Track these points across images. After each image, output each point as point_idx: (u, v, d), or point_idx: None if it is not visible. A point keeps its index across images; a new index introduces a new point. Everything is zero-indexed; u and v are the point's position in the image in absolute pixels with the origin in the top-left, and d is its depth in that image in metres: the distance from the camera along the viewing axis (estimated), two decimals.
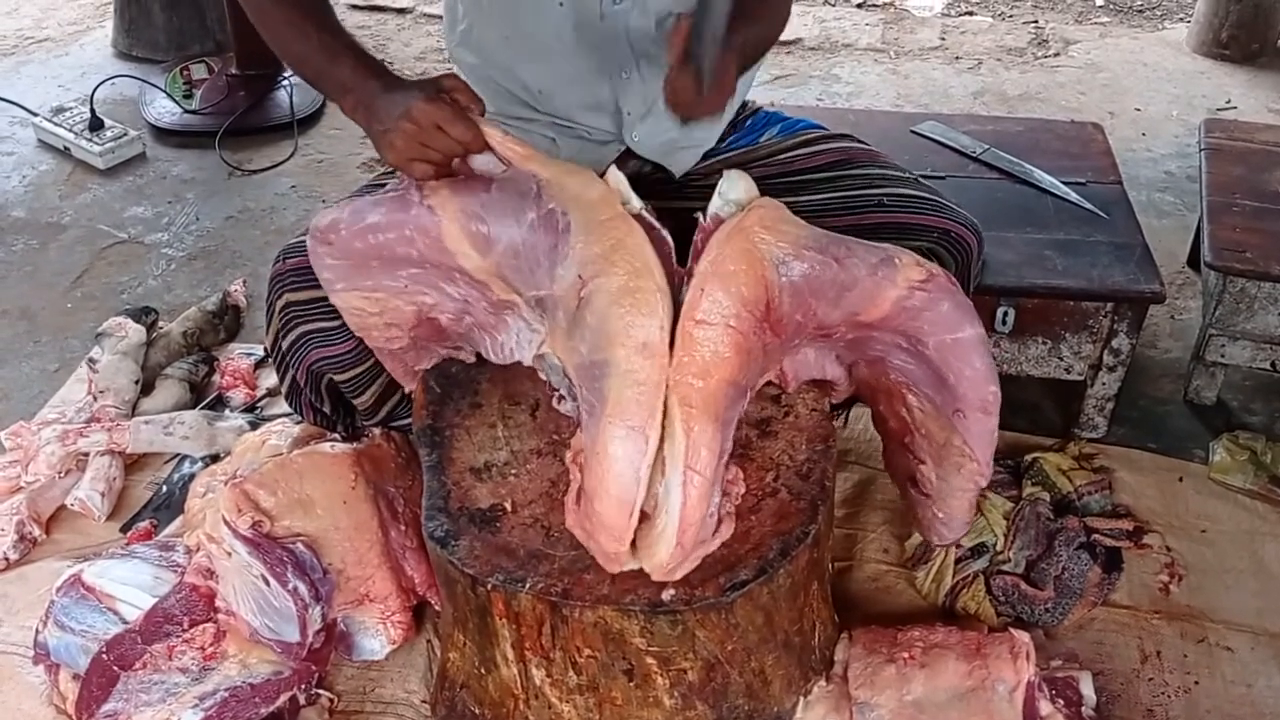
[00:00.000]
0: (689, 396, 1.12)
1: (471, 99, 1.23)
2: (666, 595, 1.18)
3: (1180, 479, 1.79)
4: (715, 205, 1.20)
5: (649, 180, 1.54)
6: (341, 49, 1.28)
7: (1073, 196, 1.92)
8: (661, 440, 1.12)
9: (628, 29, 1.39)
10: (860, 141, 1.60)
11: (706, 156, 1.56)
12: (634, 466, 1.11)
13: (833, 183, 1.52)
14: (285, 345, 1.44)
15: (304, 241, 1.39)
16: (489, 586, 1.21)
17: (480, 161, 1.24)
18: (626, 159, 1.52)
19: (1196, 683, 1.48)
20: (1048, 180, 1.96)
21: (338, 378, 1.47)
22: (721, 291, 1.14)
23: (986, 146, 2.05)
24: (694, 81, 1.22)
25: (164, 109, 2.85)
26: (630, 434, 1.10)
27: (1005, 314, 1.76)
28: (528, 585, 1.19)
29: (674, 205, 1.52)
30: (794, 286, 1.17)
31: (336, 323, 1.38)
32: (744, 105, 1.62)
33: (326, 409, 1.56)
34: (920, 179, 1.54)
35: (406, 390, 1.45)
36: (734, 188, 1.20)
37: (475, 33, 1.47)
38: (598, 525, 1.15)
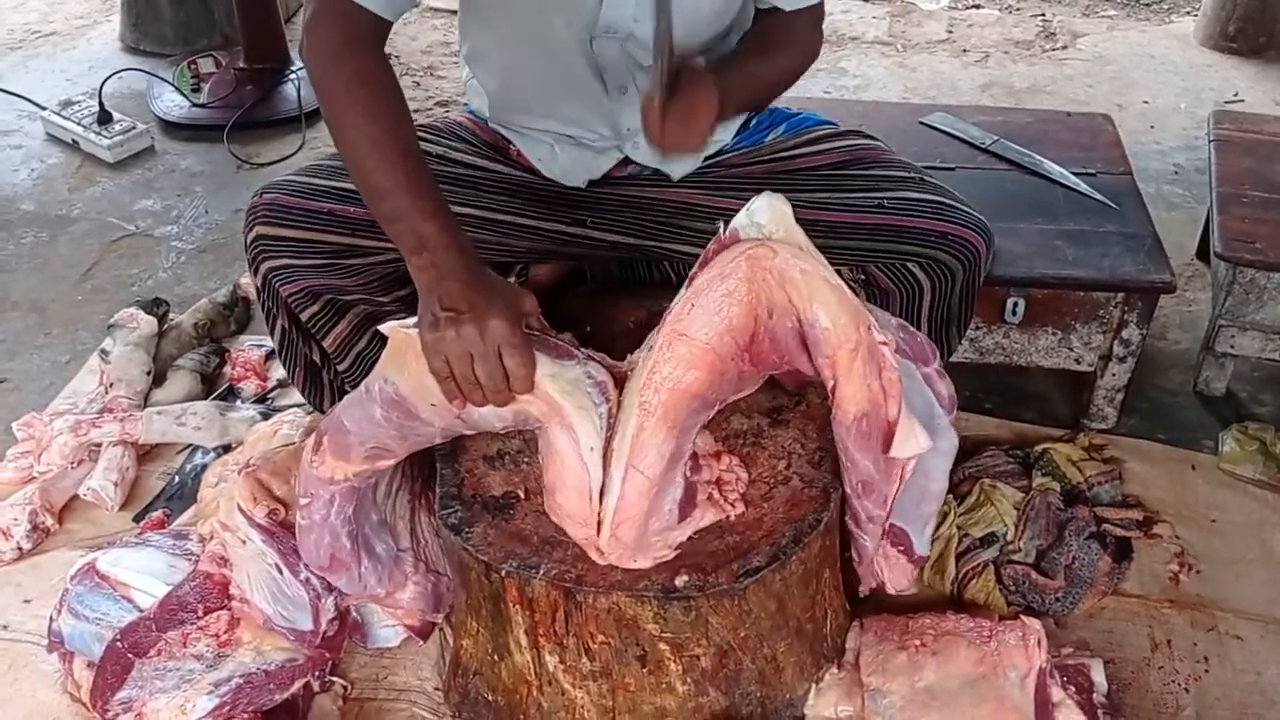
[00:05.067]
0: (648, 401, 1.15)
1: (542, 329, 1.21)
2: (680, 581, 1.18)
3: (1193, 467, 1.79)
4: (739, 221, 1.16)
5: (646, 179, 1.54)
6: (433, 202, 1.18)
7: (1083, 187, 1.92)
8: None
9: (624, 49, 1.38)
10: (870, 138, 1.58)
11: (708, 158, 1.55)
12: (576, 455, 1.16)
13: (835, 182, 1.51)
14: (260, 281, 1.47)
15: (285, 180, 1.46)
16: (503, 573, 1.21)
17: None
18: (625, 164, 1.52)
19: (1207, 671, 1.48)
20: (1057, 171, 1.95)
21: (302, 316, 1.48)
22: (712, 312, 1.14)
23: (995, 138, 2.05)
24: (660, 107, 1.21)
25: (172, 103, 2.86)
26: (562, 430, 1.17)
27: (1015, 304, 1.76)
28: (541, 571, 1.20)
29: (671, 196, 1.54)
30: (782, 333, 1.17)
31: (297, 262, 1.42)
32: None
33: (315, 355, 1.57)
34: (928, 179, 1.52)
35: None
36: (763, 211, 1.16)
37: (481, 46, 1.47)
38: (564, 515, 1.20)
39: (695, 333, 1.14)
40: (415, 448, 1.28)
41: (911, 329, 1.32)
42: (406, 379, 1.18)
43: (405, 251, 1.18)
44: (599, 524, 1.17)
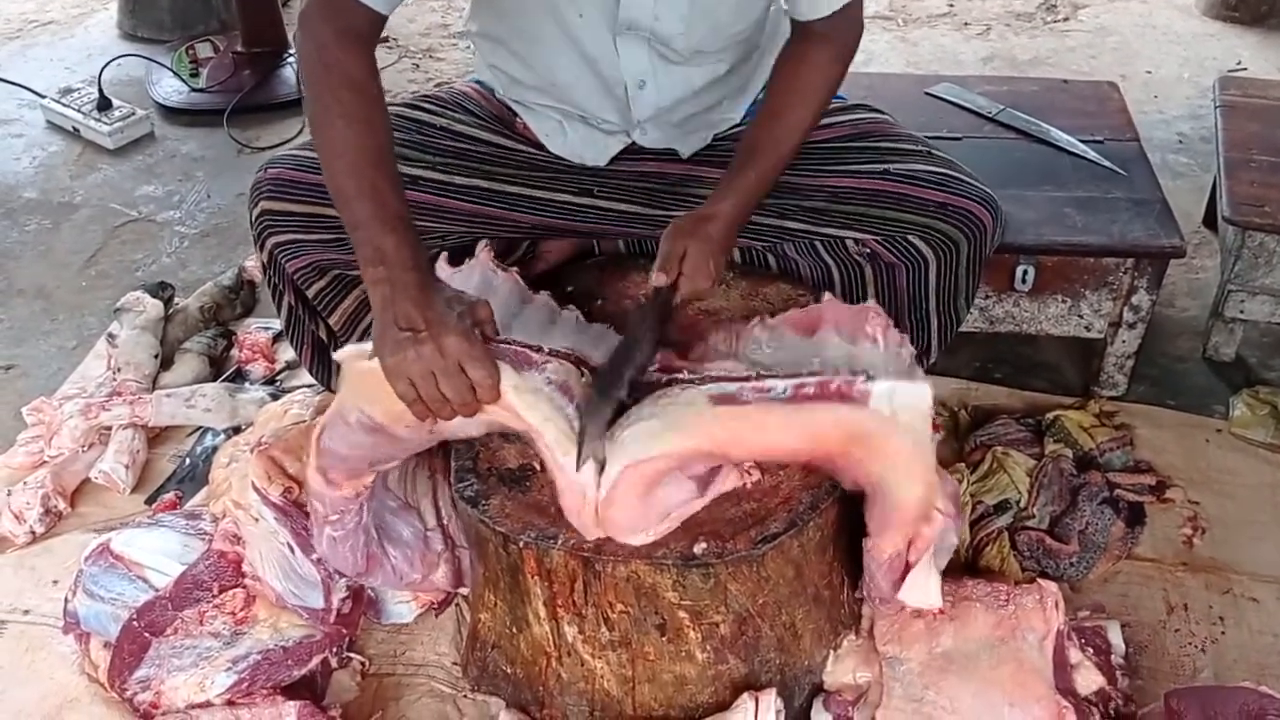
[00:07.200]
0: (685, 440, 1.14)
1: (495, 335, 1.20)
2: (698, 548, 1.18)
3: (1204, 434, 1.79)
4: (879, 390, 1.11)
5: (653, 157, 1.53)
6: (394, 214, 1.16)
7: (1090, 154, 1.91)
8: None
9: (649, 44, 1.36)
10: (878, 111, 1.57)
11: (717, 135, 1.54)
12: (556, 464, 1.16)
13: (842, 155, 1.50)
14: (266, 257, 1.47)
15: (290, 155, 1.45)
16: (521, 544, 1.21)
17: None
18: (633, 145, 1.51)
19: (1223, 633, 1.48)
20: (1065, 139, 1.95)
21: (308, 292, 1.48)
22: (786, 426, 1.14)
23: (1002, 107, 2.04)
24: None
25: (171, 88, 2.85)
26: (539, 441, 1.17)
27: (1025, 272, 1.75)
28: (560, 541, 1.19)
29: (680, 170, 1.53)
30: (841, 470, 1.19)
31: (303, 237, 1.42)
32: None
33: (321, 332, 1.56)
34: (937, 152, 1.51)
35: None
36: (907, 397, 1.12)
37: (492, 29, 1.46)
38: (570, 516, 1.20)
39: (759, 419, 1.13)
40: (414, 451, 1.29)
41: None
42: (380, 409, 1.19)
43: (362, 263, 1.17)
44: (595, 513, 1.16)
